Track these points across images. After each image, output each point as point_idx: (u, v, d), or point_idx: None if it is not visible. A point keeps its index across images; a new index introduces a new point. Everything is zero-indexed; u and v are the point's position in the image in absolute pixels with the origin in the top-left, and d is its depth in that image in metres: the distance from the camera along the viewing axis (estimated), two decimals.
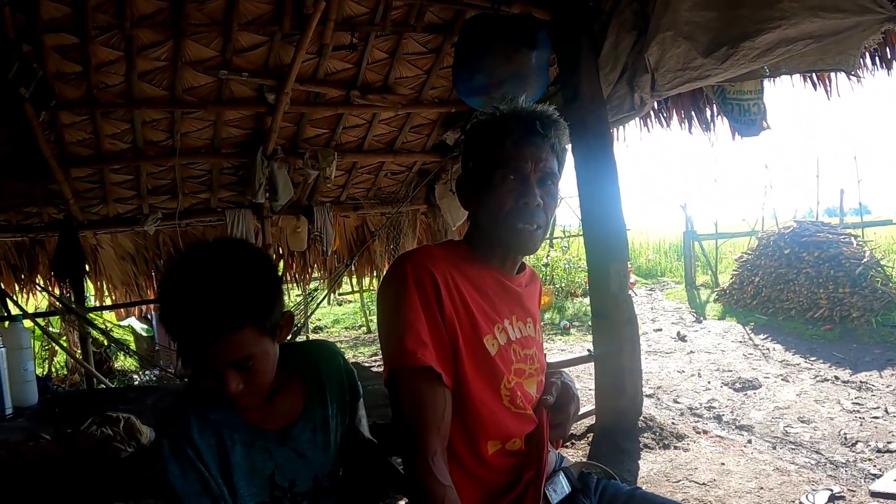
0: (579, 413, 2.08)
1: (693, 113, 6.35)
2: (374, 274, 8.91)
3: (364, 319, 13.69)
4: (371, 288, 11.40)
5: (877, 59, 5.10)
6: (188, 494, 1.54)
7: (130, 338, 9.94)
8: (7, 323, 4.63)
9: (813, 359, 8.72)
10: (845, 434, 5.80)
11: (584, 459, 4.03)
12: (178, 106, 5.74)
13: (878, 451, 5.39)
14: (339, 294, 13.84)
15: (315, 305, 9.50)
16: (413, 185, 7.94)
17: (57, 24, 4.77)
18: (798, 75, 5.44)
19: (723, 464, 4.93)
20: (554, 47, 4.87)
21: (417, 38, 5.93)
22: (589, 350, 5.87)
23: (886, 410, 6.37)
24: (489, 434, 1.75)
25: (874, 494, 3.26)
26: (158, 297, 1.60)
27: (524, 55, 4.68)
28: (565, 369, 1.92)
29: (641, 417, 5.51)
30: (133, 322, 10.51)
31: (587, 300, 13.72)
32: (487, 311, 1.75)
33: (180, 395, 1.70)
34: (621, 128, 6.47)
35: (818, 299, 10.51)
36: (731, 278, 12.83)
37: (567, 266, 15.76)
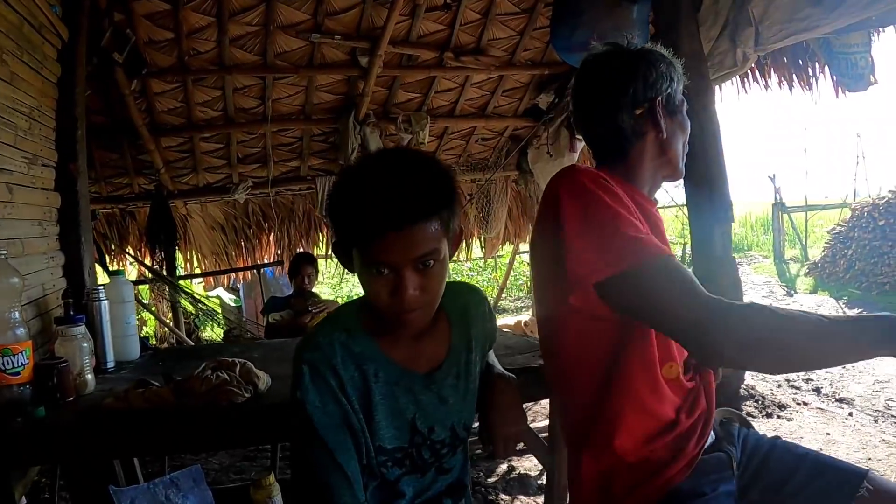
0: None
1: (793, 70, 6.08)
2: (464, 244, 8.81)
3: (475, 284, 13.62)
4: (458, 259, 11.36)
5: None
6: (327, 427, 1.47)
7: (219, 309, 10.06)
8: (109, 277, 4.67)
9: None
10: None
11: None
12: (270, 71, 5.67)
13: None
14: None
15: None
16: (505, 150, 7.78)
17: None
18: None
19: (828, 434, 4.94)
20: (653, 2, 4.68)
21: None
22: None
23: None
24: (663, 355, 1.66)
25: None
26: (334, 191, 1.48)
27: (625, 8, 4.55)
28: None
29: (743, 385, 5.38)
30: (221, 293, 10.64)
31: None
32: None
33: (322, 322, 1.64)
34: (718, 89, 6.23)
35: None
36: (823, 251, 12.44)
37: None
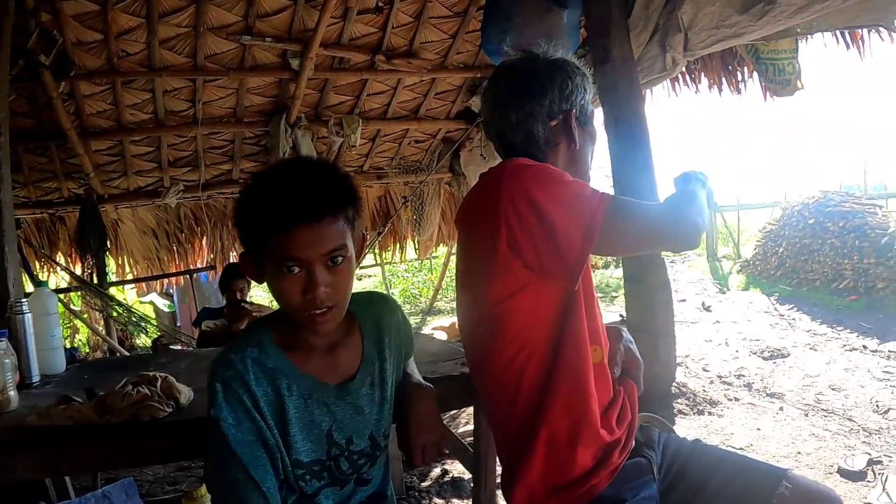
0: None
1: (723, 75, 6.23)
2: (398, 246, 8.83)
3: (386, 293, 13.59)
4: (392, 262, 11.38)
5: None
6: (242, 444, 1.48)
7: (152, 315, 9.89)
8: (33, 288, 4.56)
9: (840, 328, 8.71)
10: (877, 402, 5.77)
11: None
12: (201, 73, 5.58)
13: None
14: (360, 268, 13.75)
15: None
16: (437, 153, 7.80)
17: None
18: (830, 35, 5.33)
19: (759, 429, 5.03)
20: (584, 7, 4.74)
21: (443, 1, 5.77)
22: (621, 315, 5.79)
23: None
24: (593, 337, 1.74)
25: None
26: (243, 196, 1.52)
27: (556, 13, 4.61)
28: None
29: (674, 384, 5.47)
30: (155, 298, 10.49)
31: (608, 272, 13.89)
32: None
33: (235, 341, 1.62)
34: (648, 93, 6.34)
35: (843, 270, 10.45)
36: (755, 249, 12.79)
37: None
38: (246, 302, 5.13)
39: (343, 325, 1.64)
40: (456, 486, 4.27)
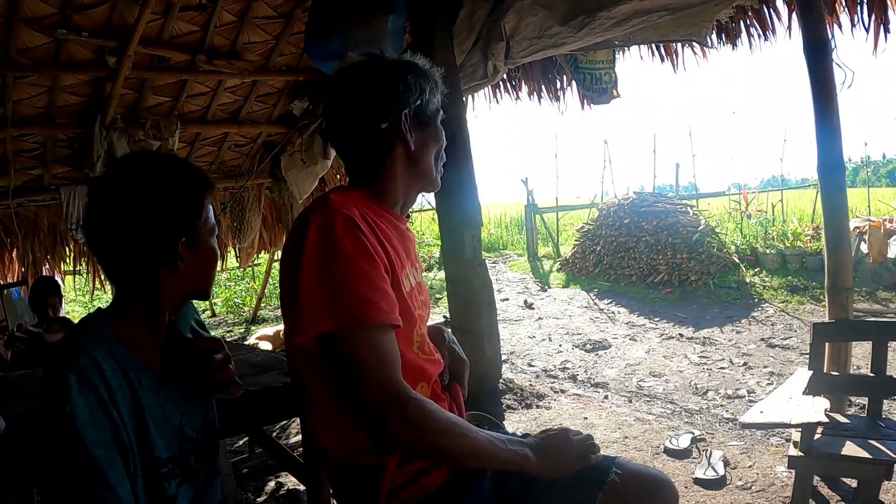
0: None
1: (543, 83, 6.55)
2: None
3: (207, 303, 13.08)
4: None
5: (723, 35, 5.40)
6: (98, 444, 1.35)
7: None
8: None
9: (657, 319, 9.30)
10: (696, 384, 6.24)
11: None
12: (11, 69, 5.17)
13: (728, 397, 5.84)
14: None
15: None
16: (258, 157, 7.70)
17: None
18: (647, 48, 5.73)
19: (585, 418, 5.19)
20: (409, 14, 4.86)
21: (268, 1, 5.74)
22: (445, 317, 5.95)
23: (731, 361, 6.92)
24: (417, 377, 1.76)
25: (745, 426, 3.51)
26: (128, 204, 1.50)
27: (381, 19, 4.66)
28: None
29: (501, 380, 5.66)
30: None
31: (432, 274, 14.09)
32: (395, 258, 1.72)
33: (73, 332, 1.53)
34: (470, 99, 6.57)
35: (658, 265, 11.29)
36: (573, 248, 13.42)
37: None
38: (60, 319, 4.91)
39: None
40: (293, 499, 4.20)
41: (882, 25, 4.43)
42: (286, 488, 4.36)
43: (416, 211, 16.62)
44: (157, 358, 1.58)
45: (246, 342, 8.71)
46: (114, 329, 1.52)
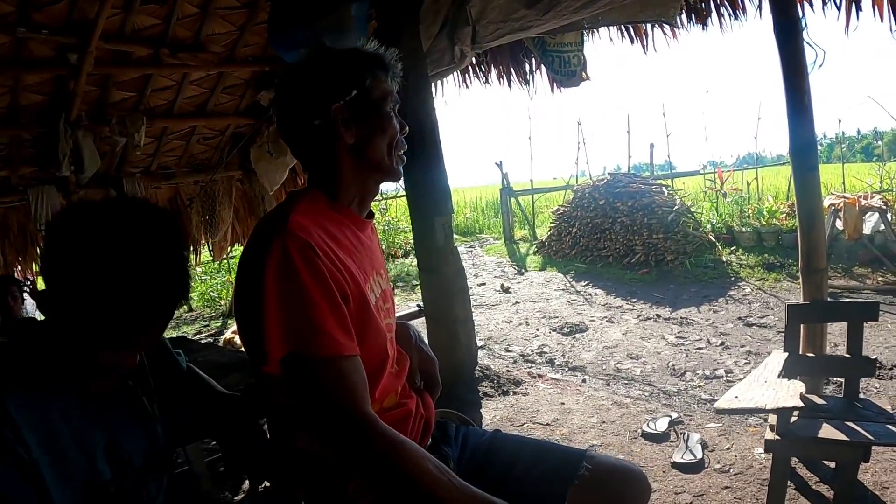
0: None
1: (512, 67, 6.51)
2: (191, 249, 8.52)
3: None
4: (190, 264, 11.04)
5: (692, 15, 5.35)
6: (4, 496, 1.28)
7: None
8: None
9: (634, 300, 9.32)
10: (673, 366, 6.26)
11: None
12: None
13: (706, 377, 5.86)
14: None
15: None
16: (227, 149, 7.63)
17: None
18: (616, 30, 5.70)
19: (563, 403, 5.13)
20: (373, 0, 4.81)
21: None
22: (419, 305, 5.91)
23: (708, 341, 6.93)
24: (387, 390, 1.76)
25: (719, 412, 3.49)
26: (95, 253, 1.40)
27: (344, 7, 4.59)
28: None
29: (477, 367, 5.62)
30: None
31: (408, 260, 14.05)
32: (358, 274, 1.66)
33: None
34: (440, 85, 6.52)
35: (634, 246, 11.35)
36: (549, 231, 13.45)
37: (386, 228, 15.85)
38: (24, 321, 4.82)
39: None
40: (270, 496, 4.16)
41: (854, 4, 4.41)
42: (264, 485, 4.29)
43: (392, 198, 16.61)
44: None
45: (222, 336, 8.69)
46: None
